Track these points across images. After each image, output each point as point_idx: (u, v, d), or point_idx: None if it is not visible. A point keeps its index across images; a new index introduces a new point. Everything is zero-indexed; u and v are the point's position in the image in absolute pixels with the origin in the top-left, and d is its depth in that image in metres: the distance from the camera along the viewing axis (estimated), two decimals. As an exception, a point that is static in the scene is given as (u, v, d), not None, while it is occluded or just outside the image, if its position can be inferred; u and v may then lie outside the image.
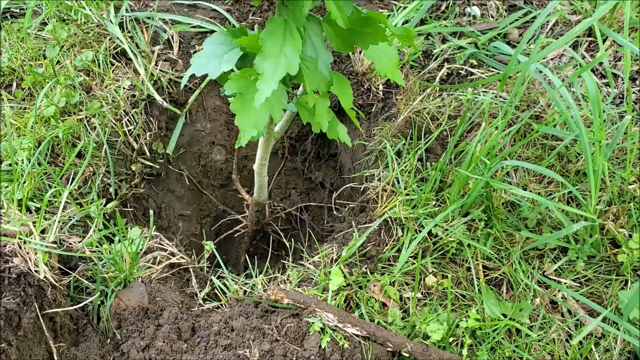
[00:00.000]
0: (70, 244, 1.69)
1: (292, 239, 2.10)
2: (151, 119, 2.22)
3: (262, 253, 2.30)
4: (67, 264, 1.65)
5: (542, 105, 2.11)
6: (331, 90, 1.48)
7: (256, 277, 1.80)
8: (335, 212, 2.25)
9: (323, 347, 1.53)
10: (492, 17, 2.48)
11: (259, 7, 2.56)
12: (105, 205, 1.88)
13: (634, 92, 2.18)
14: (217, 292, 1.78)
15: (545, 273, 1.77)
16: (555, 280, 1.75)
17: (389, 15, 2.41)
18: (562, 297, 1.73)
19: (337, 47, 1.43)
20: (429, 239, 1.79)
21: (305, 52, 1.35)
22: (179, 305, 1.66)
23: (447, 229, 1.78)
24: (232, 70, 1.40)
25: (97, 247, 1.70)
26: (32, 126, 1.96)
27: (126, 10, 2.35)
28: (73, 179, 1.87)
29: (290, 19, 1.30)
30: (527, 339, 1.63)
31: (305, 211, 2.54)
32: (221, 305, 1.74)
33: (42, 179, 1.84)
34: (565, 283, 1.74)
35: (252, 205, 2.15)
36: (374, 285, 1.72)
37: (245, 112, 1.38)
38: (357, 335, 1.57)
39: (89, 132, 2.02)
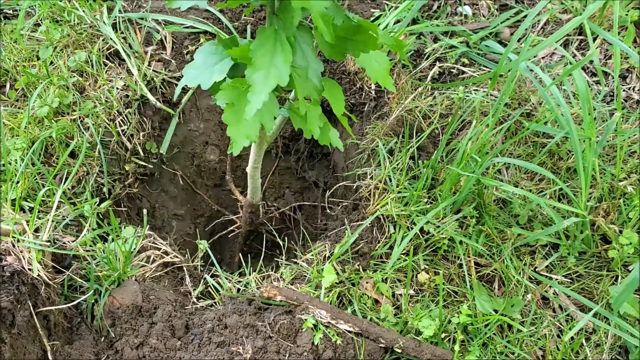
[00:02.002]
0: (64, 243, 1.69)
1: (286, 238, 2.11)
2: (144, 119, 2.23)
3: (256, 252, 2.30)
4: (60, 262, 1.66)
5: (533, 103, 2.13)
6: (323, 95, 1.48)
7: (249, 275, 1.81)
8: (328, 211, 2.26)
9: (316, 343, 1.54)
10: (484, 16, 2.50)
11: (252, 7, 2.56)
12: (98, 205, 1.89)
13: (623, 90, 2.20)
14: (210, 290, 1.79)
15: (536, 269, 1.78)
16: (546, 276, 1.77)
17: (380, 15, 2.43)
18: (553, 293, 1.74)
19: (329, 55, 1.43)
20: (420, 236, 1.81)
21: (296, 61, 1.34)
22: (172, 304, 1.67)
23: (438, 226, 1.79)
24: (224, 79, 1.39)
25: (90, 246, 1.70)
26: (25, 126, 1.96)
27: (119, 11, 2.36)
28: (67, 178, 1.88)
29: (281, 28, 1.29)
30: (518, 335, 1.64)
31: (299, 210, 2.55)
32: (215, 303, 1.74)
33: (36, 178, 1.85)
34: (557, 279, 1.75)
35: (246, 206, 2.15)
36: (367, 282, 1.73)
37: (236, 122, 1.37)
38: (349, 332, 1.58)
39: (83, 132, 2.02)
